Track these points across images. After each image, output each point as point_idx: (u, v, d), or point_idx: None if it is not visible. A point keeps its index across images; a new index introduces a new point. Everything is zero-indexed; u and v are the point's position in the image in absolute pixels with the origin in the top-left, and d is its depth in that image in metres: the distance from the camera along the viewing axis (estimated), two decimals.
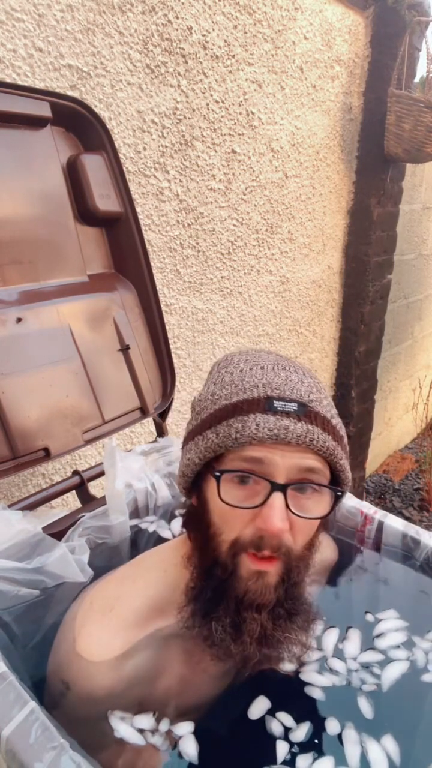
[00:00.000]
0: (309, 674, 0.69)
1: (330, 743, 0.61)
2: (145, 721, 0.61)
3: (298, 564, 0.61)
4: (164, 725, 0.61)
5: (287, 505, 0.57)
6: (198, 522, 0.63)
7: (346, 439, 0.65)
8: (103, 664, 0.61)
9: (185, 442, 0.66)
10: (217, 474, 0.58)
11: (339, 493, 0.61)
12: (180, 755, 0.58)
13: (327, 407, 0.61)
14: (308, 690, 0.67)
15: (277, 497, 0.56)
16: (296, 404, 0.58)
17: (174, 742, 0.60)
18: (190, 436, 0.64)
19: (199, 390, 0.69)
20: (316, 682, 0.68)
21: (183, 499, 0.83)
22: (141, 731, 0.60)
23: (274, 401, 0.58)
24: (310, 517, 0.59)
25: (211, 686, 0.69)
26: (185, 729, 0.61)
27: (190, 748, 0.59)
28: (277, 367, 0.62)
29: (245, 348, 0.72)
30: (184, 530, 0.69)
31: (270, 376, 0.60)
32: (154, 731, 0.60)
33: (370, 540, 0.91)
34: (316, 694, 0.67)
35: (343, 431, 0.63)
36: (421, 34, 2.01)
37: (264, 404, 0.57)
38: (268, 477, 0.57)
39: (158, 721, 0.61)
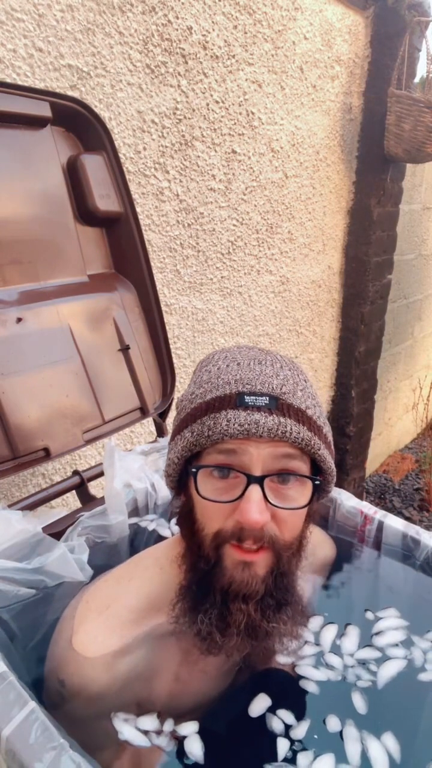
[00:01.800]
0: (305, 668, 0.69)
1: (331, 740, 0.61)
2: (149, 722, 0.61)
3: (287, 554, 0.61)
4: (168, 726, 0.61)
5: (266, 497, 0.57)
6: (185, 519, 0.64)
7: (327, 428, 0.64)
8: (99, 661, 0.61)
9: (169, 442, 0.67)
10: (194, 470, 0.59)
11: (317, 482, 0.61)
12: (185, 755, 0.58)
13: (302, 398, 0.61)
14: (303, 683, 0.68)
15: (254, 490, 0.57)
16: (267, 398, 0.58)
17: (177, 742, 0.60)
18: (172, 436, 0.66)
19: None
20: (311, 676, 0.68)
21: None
22: (145, 732, 0.60)
23: (245, 396, 0.58)
24: (290, 508, 0.59)
25: (210, 686, 0.69)
26: (190, 729, 0.61)
27: (195, 748, 0.59)
28: (252, 362, 0.62)
29: (230, 346, 0.72)
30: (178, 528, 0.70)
31: (244, 371, 0.61)
32: (158, 732, 0.60)
33: (370, 540, 0.91)
34: (310, 687, 0.67)
35: (322, 421, 0.63)
36: (421, 34, 2.01)
37: (235, 400, 0.58)
38: (244, 470, 0.58)
39: (162, 722, 0.61)
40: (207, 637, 0.60)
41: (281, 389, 0.59)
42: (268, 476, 0.58)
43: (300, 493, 0.60)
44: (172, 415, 1.14)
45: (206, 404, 0.60)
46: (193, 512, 0.62)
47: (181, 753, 0.59)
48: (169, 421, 1.15)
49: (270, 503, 0.57)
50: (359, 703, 0.65)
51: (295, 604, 0.63)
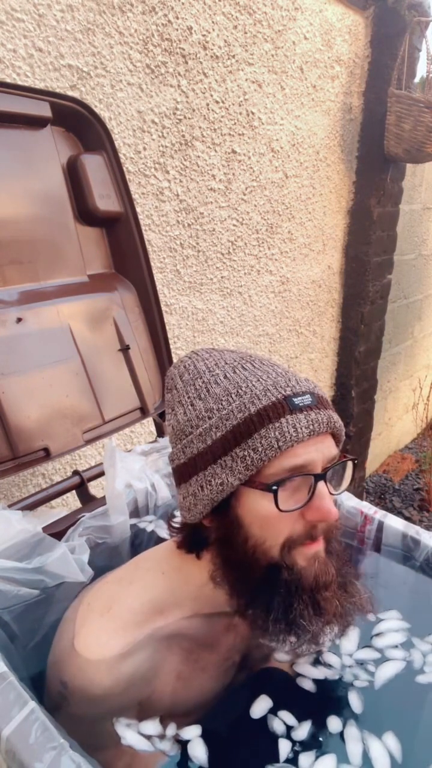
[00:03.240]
0: (302, 666, 0.69)
1: (332, 741, 0.61)
2: (152, 726, 0.61)
3: (336, 535, 0.64)
4: (171, 730, 0.61)
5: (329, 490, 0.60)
6: (225, 539, 0.62)
7: None
8: (102, 663, 0.61)
9: (195, 468, 0.61)
10: (274, 488, 0.57)
11: (356, 461, 0.65)
12: (188, 759, 0.58)
13: (318, 385, 0.65)
14: (300, 681, 0.68)
15: (323, 487, 0.59)
16: (309, 395, 0.60)
17: (180, 746, 0.60)
18: (207, 460, 0.60)
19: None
20: (309, 674, 0.69)
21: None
22: (148, 737, 0.60)
23: (293, 399, 0.59)
24: (341, 492, 0.64)
25: (210, 686, 0.69)
26: (193, 733, 0.61)
27: (199, 752, 0.59)
28: (259, 363, 0.63)
29: (194, 353, 0.69)
30: (189, 551, 0.67)
31: (262, 375, 0.61)
32: (161, 737, 0.60)
33: (370, 540, 0.91)
34: (307, 685, 0.68)
35: None
36: (421, 34, 2.01)
37: (287, 405, 0.58)
38: (311, 471, 0.59)
39: (165, 726, 0.61)
40: (309, 634, 0.61)
41: (308, 384, 0.62)
42: (328, 470, 0.60)
43: (338, 475, 0.64)
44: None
45: (257, 416, 0.58)
46: (243, 532, 0.60)
47: (184, 757, 0.59)
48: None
49: (332, 494, 0.61)
50: (355, 702, 0.65)
51: (354, 576, 0.67)
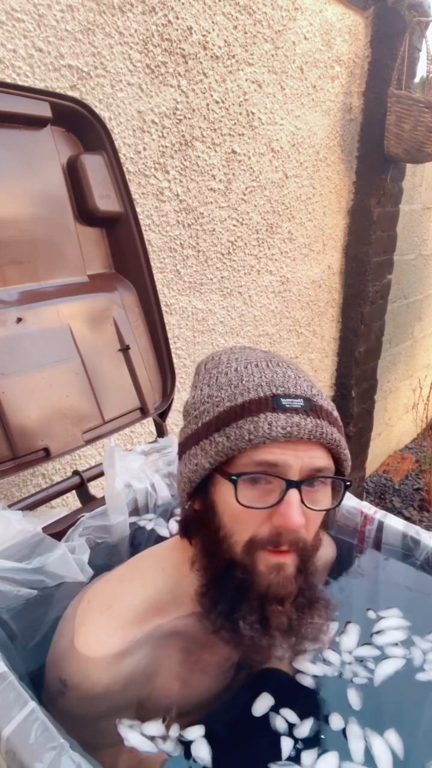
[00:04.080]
0: (302, 663, 0.70)
1: (334, 738, 0.61)
2: (155, 727, 0.61)
3: (312, 554, 0.62)
4: (174, 731, 0.61)
5: (302, 500, 0.57)
6: (204, 525, 0.63)
7: (343, 430, 0.66)
8: (101, 660, 0.61)
9: (185, 447, 0.65)
10: (234, 478, 0.58)
11: (348, 483, 0.62)
12: (192, 759, 0.58)
13: (327, 400, 0.62)
14: (299, 677, 0.68)
15: (294, 494, 0.57)
16: (302, 400, 0.59)
17: (184, 747, 0.60)
18: (193, 441, 0.63)
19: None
20: (308, 671, 0.69)
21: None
22: (151, 738, 0.60)
23: (281, 398, 0.58)
24: (322, 509, 0.60)
25: (210, 686, 0.69)
26: (196, 733, 0.61)
27: (203, 752, 0.59)
28: (271, 364, 0.62)
29: (231, 347, 0.72)
30: (182, 535, 0.68)
31: (269, 373, 0.61)
32: (164, 737, 0.60)
33: (370, 540, 0.91)
34: (306, 681, 0.68)
35: (340, 421, 0.65)
36: (421, 34, 2.01)
37: (272, 402, 0.58)
38: (283, 475, 0.58)
39: (168, 727, 0.61)
40: (250, 642, 0.60)
41: (311, 391, 0.60)
42: (305, 480, 0.58)
43: (324, 494, 0.61)
44: (172, 415, 1.15)
45: (240, 407, 0.59)
46: (217, 520, 0.61)
47: (188, 757, 0.58)
48: (170, 421, 1.15)
49: (306, 506, 0.58)
50: (354, 699, 0.66)
51: (323, 600, 0.64)
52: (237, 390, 0.60)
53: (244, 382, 0.60)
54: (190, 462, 0.63)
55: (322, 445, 0.59)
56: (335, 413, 0.62)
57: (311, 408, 0.59)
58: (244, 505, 0.57)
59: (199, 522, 0.64)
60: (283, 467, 0.57)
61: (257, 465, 0.58)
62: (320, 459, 0.59)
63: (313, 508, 0.59)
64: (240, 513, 0.58)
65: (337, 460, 0.63)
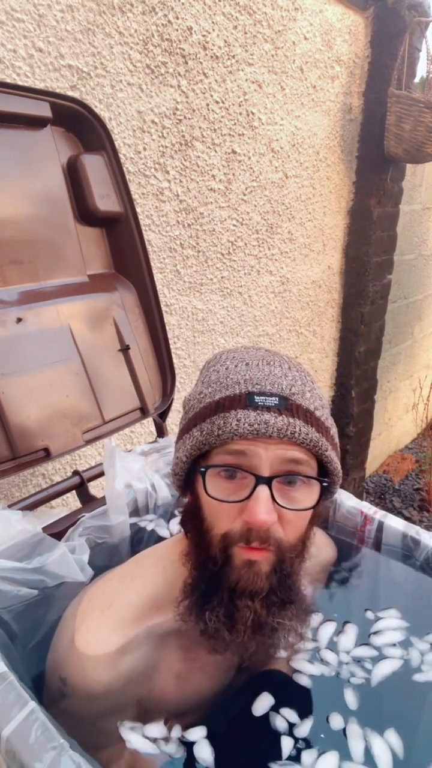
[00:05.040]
0: (299, 662, 0.70)
1: (334, 738, 0.61)
2: (156, 729, 0.61)
3: (291, 555, 0.61)
4: (176, 732, 0.60)
5: (273, 498, 0.57)
6: (192, 518, 0.64)
7: (334, 430, 0.65)
8: (101, 658, 0.61)
9: (176, 441, 0.67)
10: (202, 470, 0.60)
11: (325, 484, 0.61)
12: (195, 761, 0.58)
13: (310, 399, 0.61)
14: (296, 677, 0.68)
15: (262, 490, 0.57)
16: (277, 398, 0.58)
17: (186, 748, 0.60)
18: (180, 435, 0.66)
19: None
20: (305, 670, 0.69)
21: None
22: (153, 740, 0.60)
23: (255, 396, 0.58)
24: (297, 509, 0.59)
25: (209, 684, 0.69)
26: (198, 734, 0.60)
27: (205, 753, 0.58)
28: (261, 363, 0.62)
29: (237, 346, 0.72)
30: (182, 528, 0.70)
31: (253, 372, 0.61)
32: (166, 739, 0.60)
33: (370, 540, 0.91)
34: (303, 681, 0.68)
35: (329, 422, 0.64)
36: (421, 34, 2.01)
37: (245, 400, 0.58)
38: (252, 471, 0.58)
39: (170, 728, 0.61)
40: (214, 634, 0.60)
41: (290, 390, 0.60)
42: (276, 477, 0.58)
43: (306, 494, 0.60)
44: (172, 415, 1.15)
45: (215, 403, 0.60)
46: (201, 512, 0.62)
47: (190, 759, 0.58)
48: (170, 421, 1.15)
49: (277, 504, 0.58)
50: (351, 699, 0.66)
51: (298, 603, 0.64)
52: (219, 387, 0.61)
53: (227, 379, 0.61)
54: (175, 455, 0.66)
55: (299, 446, 0.59)
56: (318, 413, 0.61)
57: (286, 406, 0.58)
58: (212, 497, 0.59)
59: (190, 515, 0.66)
60: (250, 463, 0.58)
61: (227, 459, 0.59)
62: (294, 457, 0.59)
63: (286, 507, 0.58)
64: (216, 506, 0.59)
65: (320, 460, 0.62)
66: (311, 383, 0.64)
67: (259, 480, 0.57)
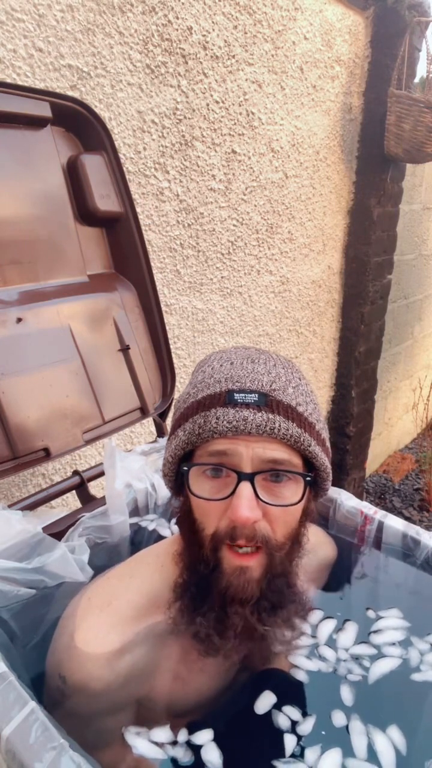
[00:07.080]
0: (297, 658, 0.70)
1: (336, 735, 0.61)
2: (162, 734, 0.60)
3: (281, 554, 0.61)
4: (182, 736, 0.60)
5: (257, 494, 0.57)
6: (185, 518, 0.65)
7: (321, 425, 0.64)
8: (101, 656, 0.61)
9: (167, 441, 0.68)
10: (185, 468, 0.60)
11: (308, 479, 0.61)
12: (202, 764, 0.58)
13: (293, 395, 0.60)
14: (294, 672, 0.68)
15: (245, 486, 0.57)
16: (256, 395, 0.58)
17: (193, 751, 0.60)
18: (168, 436, 0.67)
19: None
20: (302, 665, 0.69)
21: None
22: (160, 745, 0.59)
23: (235, 393, 0.58)
24: (281, 505, 0.59)
25: (209, 684, 0.69)
26: (205, 737, 0.60)
27: (213, 756, 0.58)
28: (246, 361, 0.62)
29: (227, 346, 0.73)
30: (178, 528, 0.70)
31: (236, 370, 0.61)
32: (173, 743, 0.60)
33: (370, 540, 0.91)
34: (300, 676, 0.68)
35: (314, 417, 0.62)
36: (421, 34, 2.01)
37: (225, 398, 0.58)
38: (234, 468, 0.58)
39: (176, 732, 0.61)
40: (205, 639, 0.61)
41: (271, 386, 0.59)
42: (258, 473, 0.58)
43: (293, 491, 0.60)
44: (172, 415, 1.15)
45: (197, 403, 0.60)
46: (192, 512, 0.62)
47: (198, 763, 0.58)
48: (169, 421, 1.15)
49: (261, 500, 0.58)
50: (347, 695, 0.66)
51: (291, 604, 0.64)
52: (202, 386, 0.62)
53: (211, 378, 0.62)
54: (164, 456, 0.66)
55: (281, 441, 0.59)
56: (300, 408, 0.60)
57: (266, 403, 0.58)
58: (195, 495, 0.59)
59: (183, 515, 0.66)
60: (231, 460, 0.58)
61: (210, 457, 0.59)
62: (275, 453, 0.58)
63: (270, 503, 0.58)
64: (204, 505, 0.60)
65: (305, 456, 0.62)
66: (298, 380, 0.63)
67: (242, 477, 0.57)
